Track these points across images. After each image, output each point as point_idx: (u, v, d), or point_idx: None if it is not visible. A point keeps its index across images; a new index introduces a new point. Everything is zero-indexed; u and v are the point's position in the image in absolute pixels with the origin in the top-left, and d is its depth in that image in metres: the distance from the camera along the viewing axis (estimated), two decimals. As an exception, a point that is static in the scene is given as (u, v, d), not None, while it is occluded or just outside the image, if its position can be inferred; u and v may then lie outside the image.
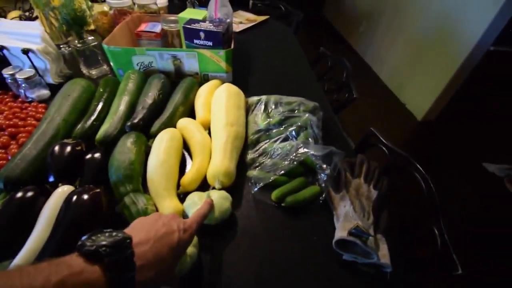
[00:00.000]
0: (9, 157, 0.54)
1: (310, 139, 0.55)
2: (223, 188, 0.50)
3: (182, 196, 0.50)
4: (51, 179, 0.47)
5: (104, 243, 0.26)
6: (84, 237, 0.27)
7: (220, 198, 0.46)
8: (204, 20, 0.77)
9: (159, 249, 0.31)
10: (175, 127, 0.60)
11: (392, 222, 0.50)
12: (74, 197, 0.41)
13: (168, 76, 0.75)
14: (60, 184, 0.45)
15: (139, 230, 0.32)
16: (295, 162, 0.49)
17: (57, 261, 0.25)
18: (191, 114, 0.67)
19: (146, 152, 0.54)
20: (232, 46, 0.75)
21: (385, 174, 0.57)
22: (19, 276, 0.22)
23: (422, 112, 1.96)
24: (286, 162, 0.49)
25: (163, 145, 0.52)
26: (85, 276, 0.24)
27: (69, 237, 0.38)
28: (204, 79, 0.79)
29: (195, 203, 0.46)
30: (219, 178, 0.50)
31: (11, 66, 0.69)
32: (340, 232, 0.45)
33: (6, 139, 0.57)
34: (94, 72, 0.80)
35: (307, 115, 0.57)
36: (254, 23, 1.21)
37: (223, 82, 0.77)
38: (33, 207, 0.42)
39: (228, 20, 0.79)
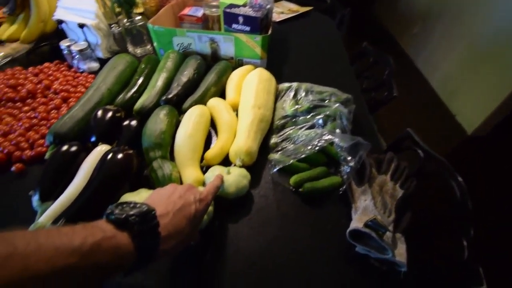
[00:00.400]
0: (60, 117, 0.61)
1: (337, 130, 0.54)
2: (243, 166, 0.51)
3: (204, 169, 0.52)
4: (93, 139, 0.52)
5: (133, 212, 0.28)
6: (111, 206, 0.29)
7: (239, 175, 0.48)
8: (244, 5, 0.78)
9: (178, 221, 0.33)
10: (205, 105, 0.63)
11: (413, 224, 0.48)
12: (110, 155, 0.45)
13: (205, 58, 0.78)
14: (99, 143, 0.50)
15: (158, 203, 0.33)
16: (317, 148, 0.48)
17: (90, 225, 0.26)
18: (222, 95, 0.69)
19: (176, 125, 0.57)
20: (269, 33, 0.76)
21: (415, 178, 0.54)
22: (58, 235, 0.23)
23: (473, 125, 1.78)
24: (309, 147, 0.49)
25: (192, 119, 0.55)
26: (116, 241, 0.26)
27: (102, 188, 0.42)
28: (239, 64, 0.81)
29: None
30: (240, 156, 0.51)
31: (67, 39, 0.78)
32: (356, 223, 0.44)
33: (59, 101, 0.64)
34: (138, 50, 0.86)
35: (337, 105, 0.56)
36: (296, 14, 1.20)
37: (256, 68, 0.78)
38: (75, 160, 0.47)
39: (268, 6, 0.79)
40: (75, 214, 0.40)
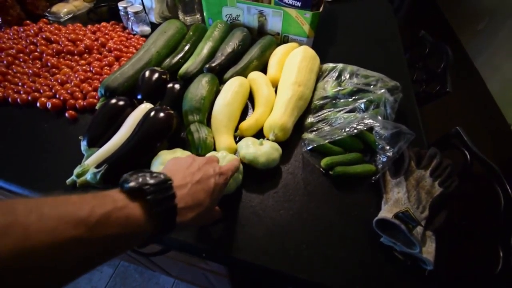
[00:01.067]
0: (112, 74, 0.65)
1: (379, 117, 0.51)
2: (276, 141, 0.51)
3: (237, 139, 0.53)
4: (139, 96, 0.55)
5: (148, 181, 0.27)
6: (126, 174, 0.28)
7: (271, 148, 0.48)
8: (298, -21, 0.75)
9: (197, 193, 0.31)
10: (245, 77, 0.63)
11: (448, 225, 0.45)
12: (153, 112, 0.48)
13: (251, 32, 0.77)
14: (144, 102, 0.53)
15: (175, 173, 0.32)
16: (355, 131, 0.46)
17: (102, 194, 0.25)
18: (263, 70, 0.68)
19: (216, 93, 0.58)
20: (321, 10, 0.72)
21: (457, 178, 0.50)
22: (64, 204, 0.22)
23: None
24: (346, 129, 0.47)
25: (232, 89, 0.56)
26: (128, 211, 0.25)
27: (142, 141, 0.45)
28: (284, 41, 0.79)
29: (248, 146, 0.48)
30: (274, 131, 0.51)
31: (125, 0, 0.81)
32: (385, 213, 0.42)
33: (112, 59, 0.68)
34: (188, 19, 0.87)
35: (383, 90, 0.52)
36: (350, -6, 1.12)
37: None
38: (121, 113, 0.51)
39: (323, -18, 0.75)
40: (117, 161, 0.43)
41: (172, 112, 0.49)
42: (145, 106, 0.52)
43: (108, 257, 0.24)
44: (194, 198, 0.31)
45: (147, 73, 0.57)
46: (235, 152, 0.50)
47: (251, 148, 0.48)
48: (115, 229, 0.23)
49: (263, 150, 0.47)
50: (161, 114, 0.48)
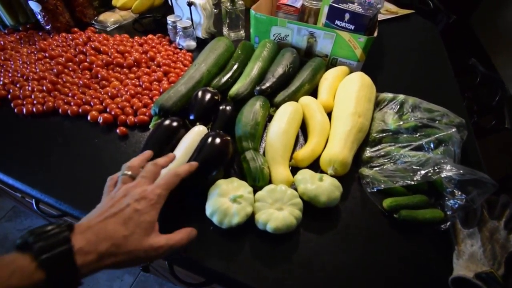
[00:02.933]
0: (161, 89, 0.64)
1: (447, 157, 0.48)
2: (334, 176, 0.48)
3: (290, 169, 0.50)
4: (192, 117, 0.53)
5: (34, 232, 0.27)
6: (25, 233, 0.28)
7: (331, 185, 0.45)
8: (352, 1, 0.72)
9: (104, 227, 0.30)
10: (297, 102, 0.60)
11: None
12: (210, 138, 0.46)
13: (298, 52, 0.75)
14: (197, 123, 0.52)
15: (84, 220, 0.31)
16: (434, 177, 0.43)
17: None
18: (313, 93, 0.66)
19: (268, 118, 0.56)
20: (375, 35, 0.70)
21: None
22: None
23: None
24: (422, 172, 0.43)
25: (287, 115, 0.53)
26: (15, 265, 0.24)
27: (201, 168, 0.42)
28: (332, 63, 0.76)
29: (306, 180, 0.46)
30: (334, 165, 0.48)
31: (173, 14, 0.81)
32: (463, 270, 0.38)
33: (161, 74, 0.67)
34: (232, 34, 0.86)
35: (453, 129, 0.49)
36: (395, 16, 1.10)
37: (351, 71, 0.73)
38: (176, 134, 0.49)
39: (379, 6, 0.73)
40: (175, 188, 0.41)
41: (229, 138, 0.47)
42: (198, 129, 0.50)
43: None
44: (99, 232, 0.29)
45: (199, 94, 0.56)
46: (291, 185, 0.47)
47: (310, 184, 0.45)
48: (7, 282, 0.23)
49: (324, 187, 0.44)
50: (218, 141, 0.46)
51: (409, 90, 0.62)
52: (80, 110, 0.58)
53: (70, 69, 0.68)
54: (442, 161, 0.43)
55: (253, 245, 0.41)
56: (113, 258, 0.29)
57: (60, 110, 0.58)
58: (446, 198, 0.46)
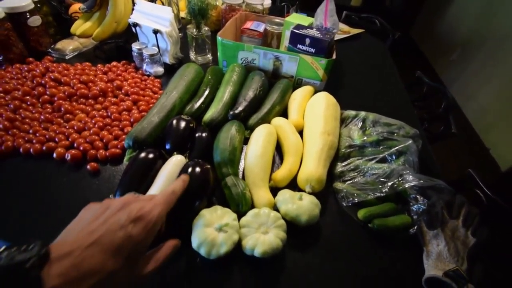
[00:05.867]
0: (131, 119, 0.63)
1: (407, 165, 0.53)
2: (312, 193, 0.51)
3: (270, 189, 0.52)
4: (168, 146, 0.53)
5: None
6: None
7: (311, 203, 0.47)
8: (310, 27, 0.78)
9: (88, 259, 0.25)
10: (269, 123, 0.63)
11: (488, 277, 0.46)
12: (190, 168, 0.46)
13: (265, 74, 0.79)
14: (175, 153, 0.51)
15: (68, 235, 0.27)
16: (400, 188, 0.47)
17: None
18: (284, 113, 0.69)
19: (244, 141, 0.58)
20: (334, 57, 0.76)
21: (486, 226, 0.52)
22: None
23: (508, 162, 1.72)
24: (389, 184, 0.48)
25: (262, 138, 0.55)
26: None
27: (184, 201, 0.42)
28: (297, 83, 0.81)
29: (287, 201, 0.48)
30: (311, 183, 0.51)
31: (139, 42, 0.81)
32: (433, 270, 0.42)
33: (130, 103, 0.66)
34: (200, 58, 0.88)
35: (410, 141, 0.55)
36: (347, 35, 1.20)
37: (315, 89, 0.78)
38: (153, 166, 0.48)
39: (335, 30, 0.80)
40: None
41: (209, 166, 0.48)
42: (176, 159, 0.50)
43: None
44: (82, 266, 0.24)
45: (174, 122, 0.56)
46: (273, 206, 0.49)
47: (290, 204, 0.47)
48: None
49: (305, 207, 0.46)
50: (198, 170, 0.46)
51: (367, 105, 0.69)
52: (44, 148, 0.54)
53: (29, 103, 0.64)
54: (404, 172, 0.48)
55: (242, 273, 0.42)
56: None
57: (21, 150, 0.54)
58: (411, 204, 0.51)
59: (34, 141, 0.55)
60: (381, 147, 0.57)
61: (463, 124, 2.10)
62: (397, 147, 0.55)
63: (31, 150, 0.54)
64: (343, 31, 1.24)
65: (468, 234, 0.50)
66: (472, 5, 2.37)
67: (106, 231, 0.27)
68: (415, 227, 0.49)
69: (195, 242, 0.40)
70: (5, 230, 0.44)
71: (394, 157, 0.54)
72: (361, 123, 0.61)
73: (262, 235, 0.42)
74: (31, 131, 0.58)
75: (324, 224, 0.50)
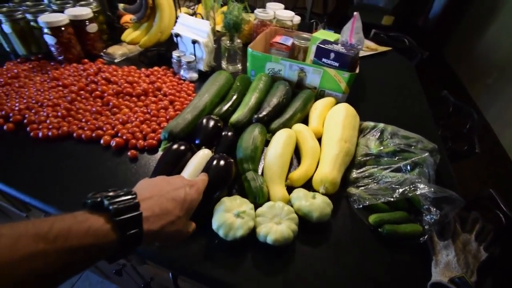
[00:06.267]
0: (167, 116, 0.70)
1: (422, 178, 0.55)
2: (325, 194, 0.54)
3: (286, 188, 0.56)
4: (197, 141, 0.59)
5: (108, 194, 0.29)
6: (90, 194, 0.30)
7: (323, 203, 0.51)
8: (336, 43, 0.83)
9: (164, 203, 0.33)
10: (290, 128, 0.67)
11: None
12: (215, 161, 0.51)
13: (290, 84, 0.84)
14: (203, 147, 0.58)
15: (142, 189, 0.34)
16: (410, 195, 0.49)
17: (63, 214, 0.26)
18: (305, 121, 0.74)
19: (265, 143, 0.63)
20: (357, 71, 0.80)
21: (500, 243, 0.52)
22: (24, 224, 0.23)
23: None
24: (400, 190, 0.50)
25: (282, 141, 0.60)
26: (88, 224, 0.25)
27: (208, 188, 0.48)
28: (320, 94, 0.85)
29: (300, 198, 0.51)
30: (325, 184, 0.54)
31: (178, 50, 0.90)
32: (439, 276, 0.44)
33: (167, 103, 0.74)
34: (230, 67, 0.96)
35: (426, 154, 0.56)
36: (374, 52, 1.23)
37: (337, 101, 0.82)
38: (183, 156, 0.55)
39: (360, 47, 0.84)
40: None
41: (232, 160, 0.53)
42: (203, 152, 0.56)
43: (77, 268, 0.25)
44: (161, 207, 0.33)
45: (204, 121, 0.62)
46: (288, 202, 0.53)
47: (304, 201, 0.50)
48: (75, 241, 0.24)
49: (317, 204, 0.50)
50: (222, 163, 0.51)
51: (388, 119, 0.71)
52: (93, 135, 0.63)
53: (83, 97, 0.74)
54: (417, 180, 0.50)
55: (254, 257, 0.46)
56: (165, 234, 0.33)
57: (74, 135, 0.63)
58: (424, 214, 0.52)
59: (85, 128, 0.64)
60: (397, 157, 0.59)
61: (497, 152, 1.99)
62: (413, 159, 0.56)
63: (83, 135, 0.63)
64: (370, 48, 1.27)
65: (481, 249, 0.50)
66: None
67: (172, 188, 0.36)
68: (426, 236, 0.50)
69: (215, 224, 0.45)
70: (55, 197, 0.52)
71: (409, 167, 0.56)
72: (379, 134, 0.64)
73: (275, 225, 0.46)
74: (83, 120, 0.67)
75: (335, 224, 0.52)
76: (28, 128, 0.64)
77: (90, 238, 0.25)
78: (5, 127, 0.64)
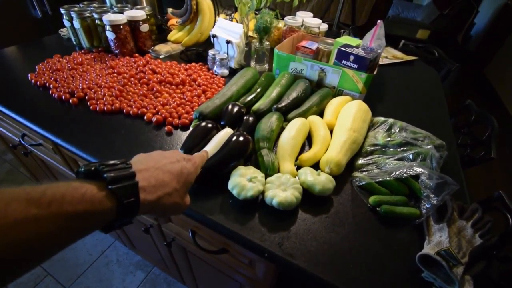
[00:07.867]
0: (200, 103, 0.82)
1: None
2: (330, 174, 0.60)
3: (296, 167, 0.63)
4: (222, 122, 0.69)
5: (104, 163, 0.28)
6: (82, 165, 0.29)
7: (326, 179, 0.57)
8: (357, 47, 0.90)
9: (161, 175, 0.33)
10: (306, 119, 0.75)
11: (486, 276, 0.48)
12: (235, 136, 0.61)
13: (311, 83, 0.92)
14: (226, 127, 0.67)
15: (139, 162, 0.34)
16: (404, 175, 0.54)
17: (58, 181, 0.25)
18: (320, 115, 0.80)
19: (281, 129, 0.71)
20: (375, 73, 0.85)
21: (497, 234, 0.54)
22: (17, 189, 0.22)
23: None
24: (396, 172, 0.55)
25: (296, 126, 0.68)
26: (83, 190, 0.25)
27: (226, 157, 0.57)
28: (338, 93, 0.92)
29: (307, 174, 0.58)
30: (330, 165, 0.60)
31: (214, 49, 1.02)
32: (428, 250, 0.48)
33: (200, 92, 0.86)
34: (258, 67, 1.06)
35: (430, 146, 0.60)
36: (399, 61, 1.26)
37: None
38: (210, 133, 0.64)
39: (379, 51, 0.89)
40: (209, 168, 0.55)
41: (249, 137, 0.62)
42: (227, 131, 0.65)
43: (73, 235, 0.25)
44: (157, 179, 0.32)
45: (230, 106, 0.72)
46: (295, 177, 0.60)
47: (309, 176, 0.57)
48: (70, 207, 0.23)
49: (320, 180, 0.56)
50: (241, 138, 0.60)
51: (405, 120, 0.74)
52: (139, 112, 0.76)
53: (132, 82, 0.88)
54: (414, 164, 0.55)
55: (261, 216, 0.53)
56: (162, 206, 0.33)
57: (124, 111, 0.77)
58: (423, 201, 0.56)
59: (133, 106, 0.78)
60: (402, 149, 0.63)
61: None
62: (416, 150, 0.61)
63: (130, 112, 0.76)
64: (396, 57, 1.30)
65: (476, 235, 0.53)
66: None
67: (168, 161, 0.36)
68: (422, 219, 0.54)
69: (230, 184, 0.54)
70: (105, 155, 0.65)
71: (411, 156, 0.60)
72: (388, 127, 0.69)
73: (281, 191, 0.53)
74: (132, 100, 0.81)
75: (337, 201, 0.58)
76: (88, 103, 0.79)
77: (85, 204, 0.25)
78: (70, 101, 0.80)
